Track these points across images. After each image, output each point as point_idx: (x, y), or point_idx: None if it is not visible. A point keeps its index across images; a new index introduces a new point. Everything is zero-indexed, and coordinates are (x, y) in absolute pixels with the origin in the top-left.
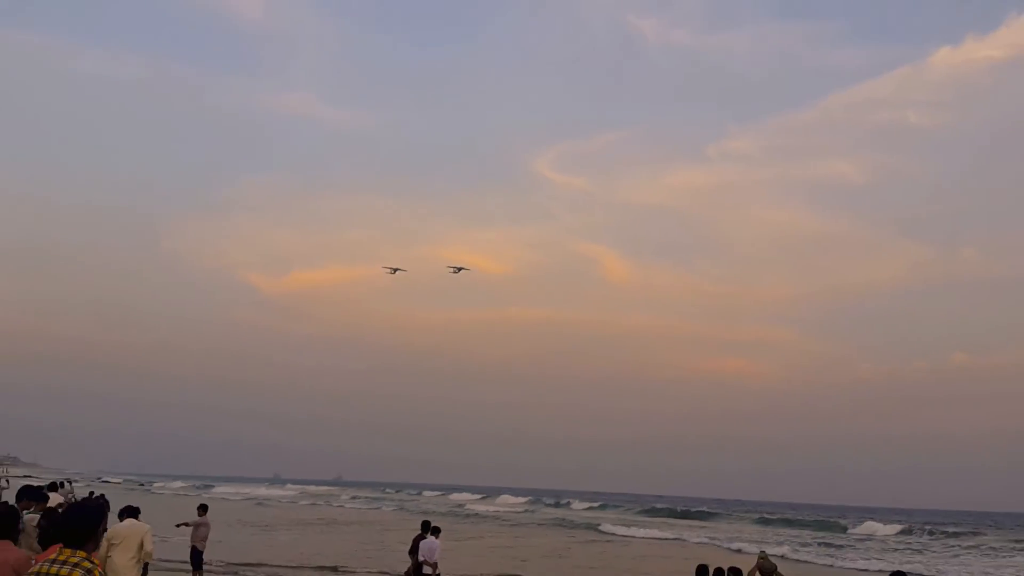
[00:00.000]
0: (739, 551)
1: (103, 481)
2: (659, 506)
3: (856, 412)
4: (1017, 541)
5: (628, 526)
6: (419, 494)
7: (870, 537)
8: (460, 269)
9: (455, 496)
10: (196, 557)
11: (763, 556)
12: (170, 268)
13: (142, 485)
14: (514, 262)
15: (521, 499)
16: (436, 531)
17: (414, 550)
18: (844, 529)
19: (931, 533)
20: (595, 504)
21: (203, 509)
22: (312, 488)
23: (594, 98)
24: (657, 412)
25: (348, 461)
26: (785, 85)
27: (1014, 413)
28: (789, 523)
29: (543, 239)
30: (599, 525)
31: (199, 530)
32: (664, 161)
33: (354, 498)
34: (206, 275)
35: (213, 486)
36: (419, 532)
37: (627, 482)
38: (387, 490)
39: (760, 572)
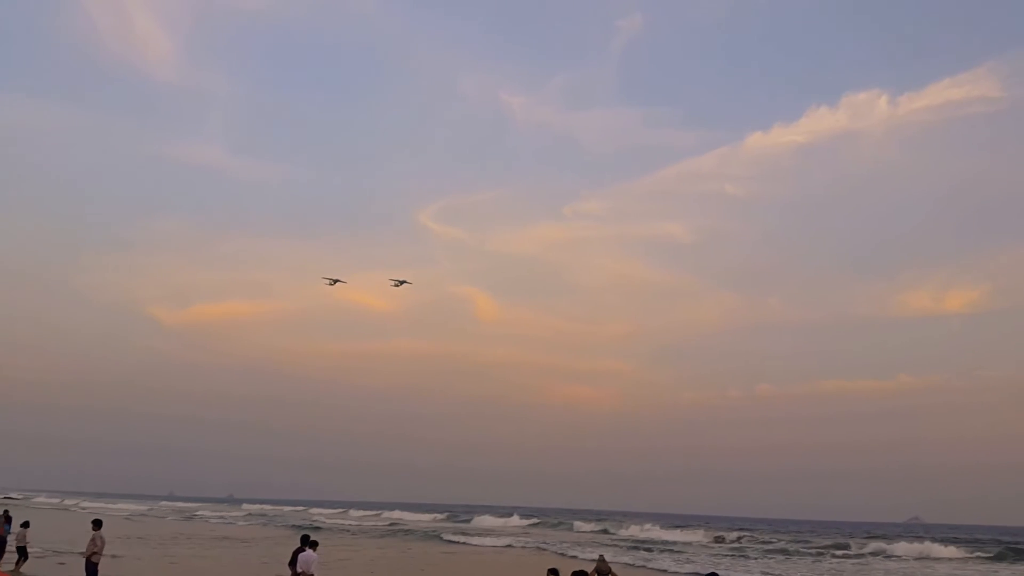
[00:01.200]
0: (574, 557)
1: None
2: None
3: (681, 431)
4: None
5: (468, 535)
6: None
7: (689, 544)
8: (402, 283)
9: (314, 510)
10: (91, 570)
11: (601, 560)
12: (76, 303)
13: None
14: (399, 301)
15: (368, 512)
16: (314, 544)
17: (293, 562)
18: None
19: (739, 539)
20: (441, 516)
21: (97, 524)
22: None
23: (471, 160)
24: (518, 432)
25: (242, 482)
26: (628, 158)
27: (807, 432)
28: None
29: (425, 281)
30: (440, 534)
31: (94, 543)
32: (529, 217)
33: (222, 516)
34: (110, 309)
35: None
36: (299, 546)
37: (492, 493)
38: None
39: (598, 574)
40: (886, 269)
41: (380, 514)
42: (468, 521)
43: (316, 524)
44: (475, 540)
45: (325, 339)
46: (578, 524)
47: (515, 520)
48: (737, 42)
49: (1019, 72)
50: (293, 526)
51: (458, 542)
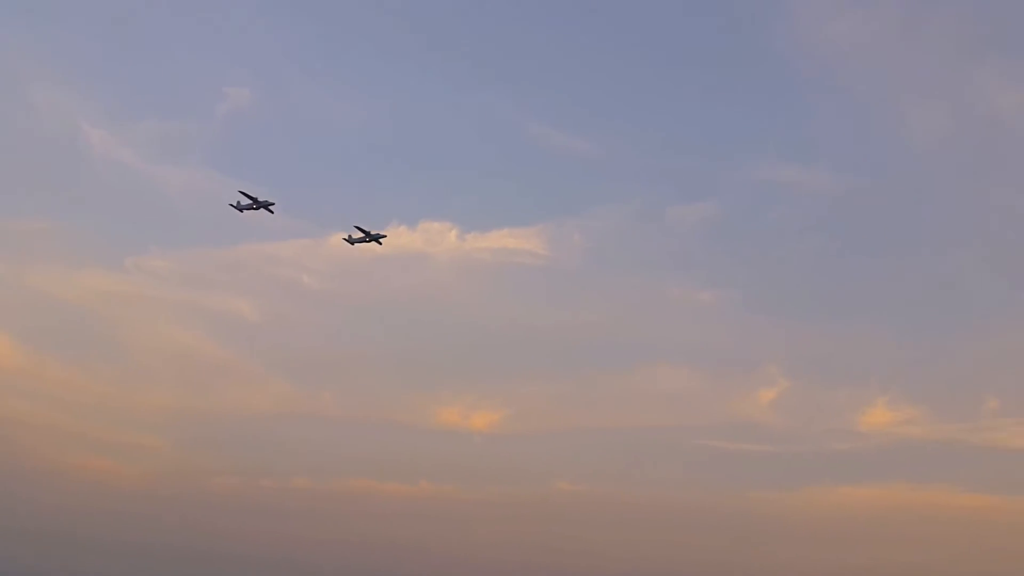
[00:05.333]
0: None
1: None
2: None
3: (201, 518)
4: None
5: None
6: None
7: None
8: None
9: None
10: None
11: None
12: None
13: None
14: None
15: None
16: None
17: None
18: None
19: None
20: None
21: None
22: None
23: (30, 183)
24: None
25: None
26: (211, 225)
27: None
28: None
29: None
30: None
31: None
32: (85, 260)
33: None
34: None
35: None
36: None
37: None
38: None
39: None
40: (430, 382)
41: None
42: None
43: None
44: None
45: None
46: None
47: None
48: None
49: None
50: None
51: None
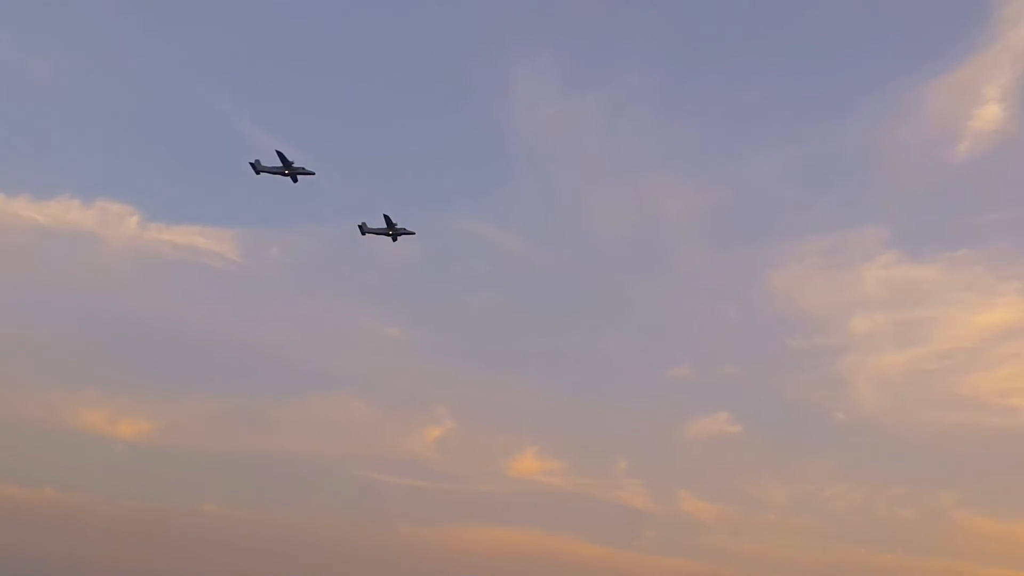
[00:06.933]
0: None
1: None
2: None
3: None
4: None
5: None
6: None
7: None
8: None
9: None
10: None
11: None
12: None
13: None
14: None
15: None
16: None
17: None
18: None
19: None
20: None
21: None
22: None
23: None
24: None
25: None
26: None
27: None
28: None
29: None
30: None
31: None
32: None
33: None
34: None
35: None
36: None
37: None
38: None
39: None
40: (75, 379)
41: None
42: None
43: None
44: None
45: None
46: None
47: None
48: None
49: (259, 245)
50: None
51: None
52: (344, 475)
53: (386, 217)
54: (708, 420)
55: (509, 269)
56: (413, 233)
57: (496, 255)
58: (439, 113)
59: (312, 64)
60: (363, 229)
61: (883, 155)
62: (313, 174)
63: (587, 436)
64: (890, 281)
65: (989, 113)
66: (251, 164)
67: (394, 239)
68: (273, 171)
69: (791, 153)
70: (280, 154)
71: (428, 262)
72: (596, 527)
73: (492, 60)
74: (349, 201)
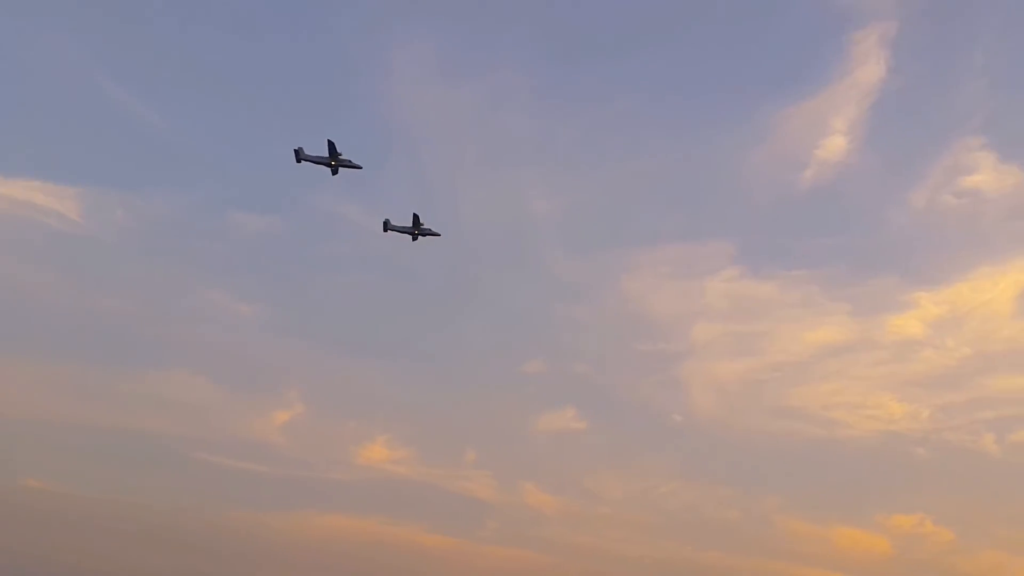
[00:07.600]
0: None
1: None
2: None
3: None
4: None
5: None
6: None
7: None
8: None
9: None
10: None
11: None
12: None
13: None
14: None
15: None
16: None
17: None
18: None
19: None
20: None
21: None
22: None
23: None
24: None
25: None
26: None
27: None
28: None
29: None
30: None
31: None
32: None
33: None
34: None
35: None
36: None
37: None
38: None
39: None
40: None
41: None
42: None
43: None
44: None
45: None
46: None
47: None
48: None
49: (104, 206)
50: None
51: None
52: (181, 456)
53: (415, 216)
54: (556, 415)
55: (372, 254)
56: (439, 235)
57: (359, 239)
58: (316, 85)
59: (184, 29)
60: (386, 226)
61: (736, 174)
62: (360, 168)
63: (439, 427)
64: (731, 294)
65: (835, 144)
66: (295, 151)
67: (414, 239)
68: (317, 161)
69: (653, 162)
70: (331, 144)
71: (289, 240)
72: (440, 517)
73: (376, 40)
74: (209, 168)
